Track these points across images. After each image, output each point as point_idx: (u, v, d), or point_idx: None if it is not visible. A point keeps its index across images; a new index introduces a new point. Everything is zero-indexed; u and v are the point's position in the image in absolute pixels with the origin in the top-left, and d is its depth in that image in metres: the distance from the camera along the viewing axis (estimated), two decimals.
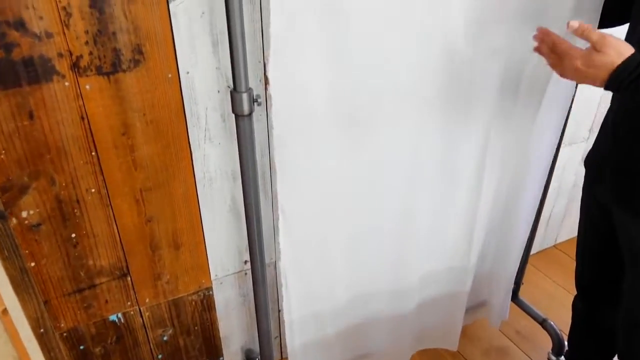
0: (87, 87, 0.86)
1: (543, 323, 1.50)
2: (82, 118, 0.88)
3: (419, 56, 0.91)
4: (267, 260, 1.18)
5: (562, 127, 1.16)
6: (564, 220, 1.95)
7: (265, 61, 1.00)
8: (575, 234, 1.15)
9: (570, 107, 1.17)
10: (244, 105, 0.77)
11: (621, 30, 0.86)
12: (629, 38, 0.83)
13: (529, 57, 0.98)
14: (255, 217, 0.89)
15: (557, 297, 1.72)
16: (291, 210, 0.92)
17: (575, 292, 1.17)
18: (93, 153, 0.92)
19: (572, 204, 1.89)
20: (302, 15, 0.76)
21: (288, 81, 0.79)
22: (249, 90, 0.77)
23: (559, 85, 1.06)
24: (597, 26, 0.94)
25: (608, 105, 0.94)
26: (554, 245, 2.00)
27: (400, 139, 0.98)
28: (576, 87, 1.14)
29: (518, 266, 1.40)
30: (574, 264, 1.14)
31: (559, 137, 1.19)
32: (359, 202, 1.03)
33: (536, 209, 1.30)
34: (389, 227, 1.10)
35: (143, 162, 0.97)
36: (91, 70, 0.85)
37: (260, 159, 1.06)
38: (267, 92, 1.04)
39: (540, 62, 0.85)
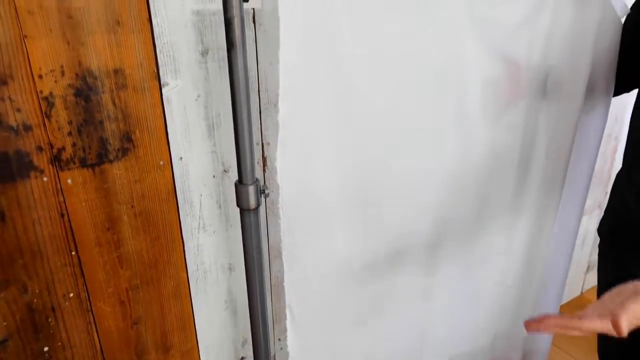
0: (69, 181, 0.76)
1: None
2: (62, 215, 0.78)
3: (434, 139, 0.87)
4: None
5: (584, 199, 1.10)
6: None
7: (264, 143, 0.94)
8: None
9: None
10: (251, 199, 0.69)
11: None
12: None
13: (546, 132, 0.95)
14: (261, 317, 0.78)
15: None
16: (300, 309, 0.82)
17: None
18: (73, 253, 0.81)
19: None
20: (309, 102, 0.70)
21: (296, 170, 0.73)
22: (256, 182, 0.69)
23: (580, 157, 1.02)
24: (611, 94, 0.92)
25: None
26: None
27: (415, 221, 0.91)
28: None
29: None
30: None
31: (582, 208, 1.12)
32: (369, 290, 0.94)
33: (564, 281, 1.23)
34: (407, 319, 1.00)
35: (130, 258, 0.87)
36: (74, 163, 0.76)
37: None
38: (265, 174, 0.97)
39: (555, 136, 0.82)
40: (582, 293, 1.96)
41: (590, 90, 0.92)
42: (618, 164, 1.76)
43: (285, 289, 0.83)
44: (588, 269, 1.93)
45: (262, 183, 0.80)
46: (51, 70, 0.70)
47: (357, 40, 0.71)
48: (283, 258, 0.78)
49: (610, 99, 0.96)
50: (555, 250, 1.13)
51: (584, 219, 1.75)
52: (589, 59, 0.90)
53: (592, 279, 1.98)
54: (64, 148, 0.74)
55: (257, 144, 0.93)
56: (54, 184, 0.75)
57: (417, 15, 0.76)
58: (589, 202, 1.72)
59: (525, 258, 1.14)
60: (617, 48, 0.89)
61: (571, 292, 1.91)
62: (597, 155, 1.05)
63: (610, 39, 0.89)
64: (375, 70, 0.75)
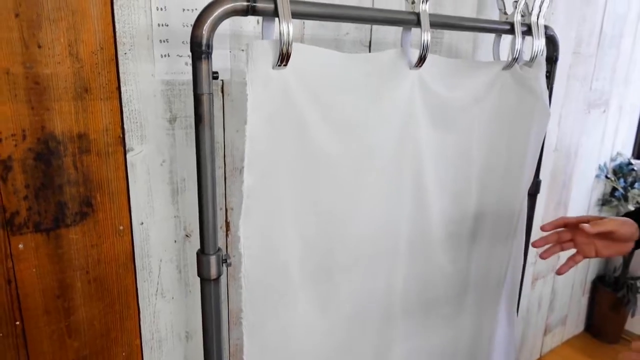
0: (20, 246, 0.73)
1: None
2: (9, 282, 0.74)
3: (394, 210, 0.90)
4: None
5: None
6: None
7: (228, 208, 0.94)
8: None
9: None
10: (212, 270, 0.68)
11: None
12: None
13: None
14: None
15: None
16: None
17: None
18: (17, 323, 0.76)
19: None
20: (273, 173, 0.72)
21: (259, 239, 0.73)
22: (218, 251, 0.69)
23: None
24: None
25: None
26: None
27: (373, 293, 0.92)
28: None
29: None
30: None
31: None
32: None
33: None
34: None
35: (80, 327, 0.82)
36: (27, 227, 0.73)
37: None
38: (228, 239, 0.97)
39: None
40: (541, 356, 1.98)
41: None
42: None
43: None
44: (545, 331, 1.96)
45: (224, 250, 0.79)
46: (12, 135, 0.69)
47: (321, 117, 0.74)
48: (243, 329, 0.76)
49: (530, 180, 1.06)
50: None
51: (539, 283, 1.81)
52: (528, 136, 0.98)
53: (550, 342, 2.01)
54: (17, 212, 0.72)
55: (221, 209, 0.93)
56: (3, 249, 0.72)
57: (377, 92, 0.81)
58: (542, 267, 1.79)
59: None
60: (544, 134, 0.99)
61: (531, 355, 1.93)
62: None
63: (541, 122, 0.99)
64: (339, 144, 0.78)
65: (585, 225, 0.80)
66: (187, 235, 0.90)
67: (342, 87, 0.76)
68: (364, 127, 0.80)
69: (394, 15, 0.77)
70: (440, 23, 0.83)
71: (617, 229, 0.80)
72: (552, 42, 1.03)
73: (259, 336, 0.79)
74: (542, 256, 0.89)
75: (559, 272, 0.88)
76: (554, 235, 0.89)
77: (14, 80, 0.67)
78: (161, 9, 0.76)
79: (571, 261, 0.87)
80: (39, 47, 0.68)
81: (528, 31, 0.95)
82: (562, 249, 0.89)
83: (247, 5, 0.61)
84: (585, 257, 0.86)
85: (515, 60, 0.94)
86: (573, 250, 0.88)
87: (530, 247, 1.70)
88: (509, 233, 1.10)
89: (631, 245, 0.82)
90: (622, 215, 0.85)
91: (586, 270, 2.06)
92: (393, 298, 0.97)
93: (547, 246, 0.90)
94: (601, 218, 0.83)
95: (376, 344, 0.98)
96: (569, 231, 0.87)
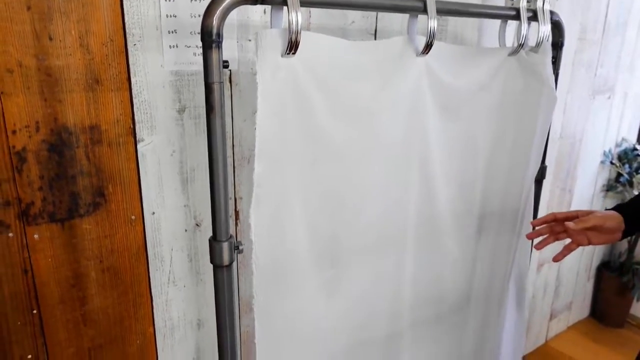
0: (36, 236, 0.75)
1: None
2: (26, 272, 0.75)
3: (402, 197, 0.90)
4: None
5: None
6: None
7: (237, 197, 0.95)
8: None
9: None
10: (225, 256, 0.69)
11: None
12: None
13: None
14: None
15: None
16: None
17: None
18: (34, 311, 0.78)
19: None
20: (283, 162, 0.73)
21: (269, 227, 0.74)
22: (230, 238, 0.70)
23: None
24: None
25: None
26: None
27: (382, 279, 0.94)
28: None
29: None
30: None
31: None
32: (340, 347, 0.94)
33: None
34: None
35: (94, 316, 0.84)
36: (42, 218, 0.75)
37: None
38: (237, 228, 0.98)
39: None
40: (546, 341, 2.00)
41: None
42: None
43: (257, 345, 0.82)
44: (551, 317, 1.97)
45: (235, 238, 0.80)
46: (26, 126, 0.70)
47: (329, 105, 0.75)
48: (255, 315, 0.78)
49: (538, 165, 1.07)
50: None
51: (544, 268, 1.82)
52: (534, 123, 0.99)
53: (556, 327, 2.03)
54: (33, 203, 0.73)
55: (230, 198, 0.94)
56: (19, 239, 0.74)
57: (384, 80, 0.81)
58: (547, 253, 1.79)
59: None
60: (551, 119, 0.99)
61: (537, 340, 1.95)
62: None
63: (548, 108, 0.99)
64: (347, 131, 0.79)
65: (569, 223, 0.86)
66: (197, 225, 0.91)
67: (349, 74, 0.76)
68: (371, 114, 0.81)
69: (401, 2, 0.77)
70: (447, 10, 0.83)
71: (601, 224, 0.85)
72: (557, 28, 1.03)
73: (269, 321, 0.81)
74: (537, 247, 0.95)
75: (554, 260, 0.92)
76: (547, 228, 0.94)
77: (27, 72, 0.68)
78: (169, 0, 0.76)
79: (566, 250, 0.91)
80: (51, 39, 0.68)
81: (534, 17, 0.95)
82: (557, 239, 0.93)
83: None
84: (579, 245, 0.90)
85: (521, 46, 0.94)
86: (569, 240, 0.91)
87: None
88: (516, 219, 1.10)
89: (619, 235, 0.87)
90: (613, 207, 0.90)
91: (591, 256, 2.07)
92: (402, 283, 0.98)
93: (541, 238, 0.95)
94: (589, 212, 0.88)
95: (386, 328, 1.00)
96: (561, 224, 0.91)
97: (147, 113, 0.80)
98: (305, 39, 0.66)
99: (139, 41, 0.76)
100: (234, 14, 0.80)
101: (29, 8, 0.66)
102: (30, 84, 0.68)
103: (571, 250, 0.91)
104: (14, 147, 0.70)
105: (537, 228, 0.95)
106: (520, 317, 1.24)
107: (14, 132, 0.69)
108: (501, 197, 1.09)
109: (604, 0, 1.56)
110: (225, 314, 0.73)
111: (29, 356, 0.79)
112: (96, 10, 0.71)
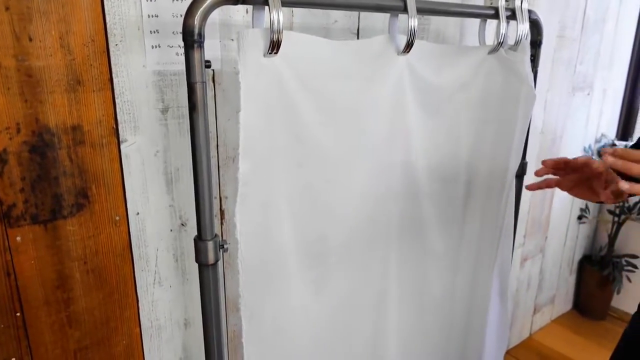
0: (18, 238, 0.74)
1: None
2: (8, 274, 0.75)
3: (385, 194, 0.92)
4: None
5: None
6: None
7: (222, 196, 0.95)
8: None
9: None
10: (210, 255, 0.70)
11: None
12: None
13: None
14: None
15: None
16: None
17: None
18: (18, 314, 0.77)
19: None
20: (267, 161, 0.73)
21: (254, 225, 0.74)
22: (214, 237, 0.70)
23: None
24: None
25: None
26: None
27: (366, 275, 0.95)
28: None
29: None
30: None
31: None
32: (327, 345, 0.95)
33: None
34: None
35: (80, 318, 0.84)
36: (24, 220, 0.74)
37: None
38: (223, 227, 0.98)
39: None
40: (530, 335, 2.03)
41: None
42: (555, 211, 1.89)
43: (244, 344, 0.82)
44: (535, 311, 2.01)
45: (220, 237, 0.81)
46: (6, 128, 0.69)
47: (312, 103, 0.75)
48: (241, 313, 0.78)
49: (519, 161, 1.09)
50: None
51: (528, 263, 1.85)
52: (514, 119, 1.01)
53: (540, 320, 2.07)
54: (14, 205, 0.73)
55: (215, 197, 0.94)
56: (1, 242, 0.73)
57: (366, 79, 0.82)
58: (530, 247, 1.83)
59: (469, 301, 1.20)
60: (530, 116, 1.01)
61: (521, 334, 1.98)
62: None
63: (527, 105, 1.01)
64: (330, 129, 0.80)
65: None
66: (182, 224, 0.91)
67: (332, 73, 0.77)
68: (354, 112, 0.82)
69: (382, 1, 0.78)
70: (427, 9, 0.85)
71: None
72: (536, 26, 1.05)
73: (257, 319, 0.81)
74: (527, 187, 0.92)
75: (528, 188, 0.90)
76: (544, 182, 0.90)
77: (6, 73, 0.67)
78: (151, 0, 0.76)
79: (544, 184, 0.88)
80: (30, 39, 0.68)
81: (512, 16, 0.97)
82: (548, 187, 0.90)
83: None
84: (557, 186, 0.87)
85: (500, 44, 0.96)
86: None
87: (517, 230, 1.74)
88: (498, 214, 1.13)
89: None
90: None
91: (573, 250, 2.11)
92: (387, 280, 0.99)
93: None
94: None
95: (372, 325, 1.01)
96: (562, 170, 0.87)
97: (130, 113, 0.80)
98: (287, 39, 0.67)
99: (120, 41, 0.76)
100: (215, 14, 0.80)
101: (7, 8, 0.65)
102: (10, 85, 0.68)
103: (548, 187, 0.88)
104: None
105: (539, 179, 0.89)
106: (503, 312, 1.27)
107: None
108: (484, 192, 1.11)
109: None
110: (211, 312, 0.73)
111: (13, 359, 0.78)
112: (76, 11, 0.71)
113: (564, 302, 2.20)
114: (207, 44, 0.82)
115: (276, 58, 0.68)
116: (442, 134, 0.98)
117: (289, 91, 0.71)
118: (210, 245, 0.70)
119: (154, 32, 0.78)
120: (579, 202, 2.02)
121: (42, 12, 0.68)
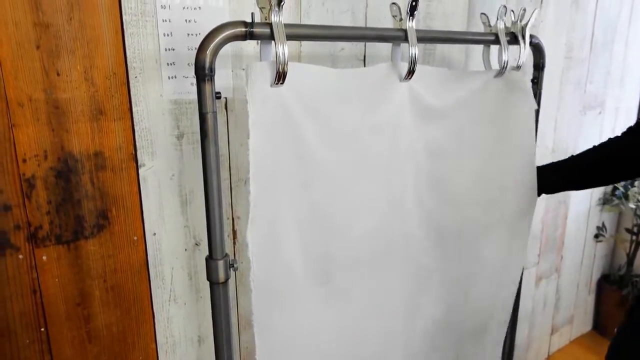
0: (44, 257, 0.79)
1: None
2: (34, 291, 0.80)
3: (389, 215, 0.94)
4: None
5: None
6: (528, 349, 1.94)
7: (235, 217, 1.00)
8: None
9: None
10: (220, 273, 0.73)
11: None
12: None
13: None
14: None
15: None
16: None
17: None
18: (42, 329, 0.82)
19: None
20: (276, 184, 0.77)
21: (266, 245, 0.78)
22: (225, 256, 0.74)
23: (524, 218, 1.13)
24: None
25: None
26: None
27: (377, 294, 0.97)
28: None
29: None
30: None
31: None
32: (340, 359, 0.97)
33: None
34: None
35: (99, 333, 0.88)
36: (50, 240, 0.79)
37: None
38: (235, 247, 1.02)
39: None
40: (549, 356, 2.00)
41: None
42: (570, 230, 1.88)
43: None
44: (552, 331, 1.98)
45: (232, 257, 0.84)
46: (35, 155, 0.75)
47: (318, 129, 0.79)
48: (254, 331, 0.81)
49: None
50: None
51: (542, 282, 1.84)
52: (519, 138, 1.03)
53: (558, 341, 2.03)
54: (41, 226, 0.78)
55: (228, 218, 0.98)
56: (28, 261, 0.78)
57: (370, 105, 0.86)
58: (545, 267, 1.82)
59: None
60: (534, 133, 1.03)
61: (538, 355, 1.95)
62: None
63: (530, 121, 1.03)
64: (335, 153, 0.83)
65: None
66: (196, 244, 0.96)
67: (336, 100, 0.81)
68: (358, 137, 0.85)
69: (383, 32, 0.83)
70: (427, 38, 0.89)
71: None
72: (538, 50, 1.08)
73: (269, 337, 0.84)
74: None
75: None
76: None
77: (36, 105, 0.73)
78: (168, 35, 0.82)
79: None
80: (58, 74, 0.74)
81: (514, 40, 1.00)
82: None
83: (246, 31, 0.67)
84: None
85: (503, 69, 0.99)
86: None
87: (531, 249, 1.73)
88: (513, 235, 1.13)
89: None
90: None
91: (590, 269, 2.08)
92: (394, 297, 1.01)
93: None
94: None
95: (383, 341, 1.02)
96: None
97: (147, 139, 0.85)
98: (292, 69, 0.71)
99: (140, 73, 0.81)
100: (228, 46, 0.85)
101: (38, 47, 0.72)
102: (39, 116, 0.74)
103: None
104: (24, 174, 0.75)
105: None
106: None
107: (24, 160, 0.75)
108: (491, 211, 1.12)
109: (590, 20, 1.62)
110: (222, 329, 0.77)
111: None
112: (100, 47, 0.77)
113: (583, 323, 2.16)
114: (220, 73, 0.88)
115: (282, 87, 0.72)
116: (446, 154, 1.00)
117: (294, 118, 0.76)
118: (220, 264, 0.73)
119: (171, 64, 0.84)
120: (595, 221, 2.01)
121: (69, 49, 0.74)
